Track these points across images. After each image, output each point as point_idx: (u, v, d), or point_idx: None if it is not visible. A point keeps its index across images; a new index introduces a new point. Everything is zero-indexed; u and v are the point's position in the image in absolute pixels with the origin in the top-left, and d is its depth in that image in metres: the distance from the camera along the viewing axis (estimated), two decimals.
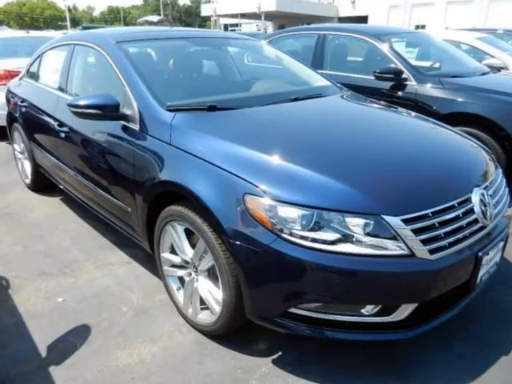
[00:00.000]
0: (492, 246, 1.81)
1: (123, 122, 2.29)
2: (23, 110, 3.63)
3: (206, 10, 33.25)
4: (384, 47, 4.21)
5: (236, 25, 34.88)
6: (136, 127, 2.23)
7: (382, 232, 1.59)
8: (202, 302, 2.03)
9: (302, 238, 1.59)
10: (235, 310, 1.83)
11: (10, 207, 3.67)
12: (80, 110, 2.26)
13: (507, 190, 2.14)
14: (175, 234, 2.06)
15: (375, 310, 1.68)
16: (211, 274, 1.97)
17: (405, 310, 1.67)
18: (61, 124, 2.92)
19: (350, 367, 1.90)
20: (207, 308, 2.02)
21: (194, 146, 1.95)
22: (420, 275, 1.61)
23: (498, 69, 4.85)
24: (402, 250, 1.59)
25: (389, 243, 1.58)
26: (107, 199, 2.55)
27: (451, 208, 1.73)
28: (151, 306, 2.33)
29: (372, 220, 1.59)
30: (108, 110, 2.24)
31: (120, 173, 2.33)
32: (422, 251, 1.60)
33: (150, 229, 2.23)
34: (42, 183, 3.87)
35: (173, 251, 2.15)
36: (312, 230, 1.59)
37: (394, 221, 1.59)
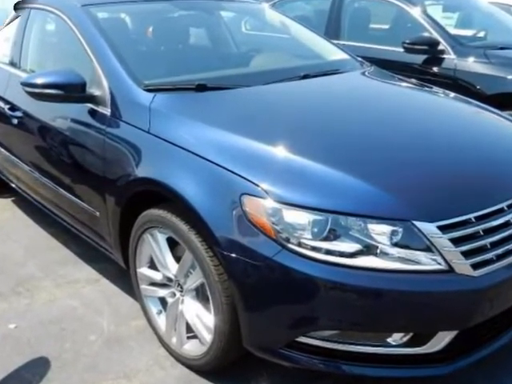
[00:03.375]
0: None
1: (91, 105, 2.30)
2: None
3: None
4: (416, 12, 4.21)
5: None
6: (106, 111, 2.23)
7: (413, 242, 1.59)
8: (189, 329, 2.03)
9: (314, 249, 1.59)
10: (230, 338, 1.82)
11: None
12: (37, 90, 2.27)
13: None
14: (155, 244, 2.06)
15: (405, 340, 1.68)
16: (200, 294, 1.97)
17: (442, 339, 1.67)
18: (13, 107, 2.92)
19: None
20: (195, 336, 2.02)
21: (179, 135, 1.95)
22: (461, 296, 1.60)
23: None
24: (438, 264, 1.58)
25: (422, 256, 1.58)
26: (70, 201, 2.55)
27: (499, 212, 1.73)
28: (125, 333, 2.33)
29: (401, 227, 1.59)
30: (72, 90, 2.24)
31: (87, 168, 2.33)
32: (462, 266, 1.60)
33: (124, 238, 2.23)
34: None
35: (152, 266, 2.15)
36: (326, 239, 1.59)
37: (428, 228, 1.59)
